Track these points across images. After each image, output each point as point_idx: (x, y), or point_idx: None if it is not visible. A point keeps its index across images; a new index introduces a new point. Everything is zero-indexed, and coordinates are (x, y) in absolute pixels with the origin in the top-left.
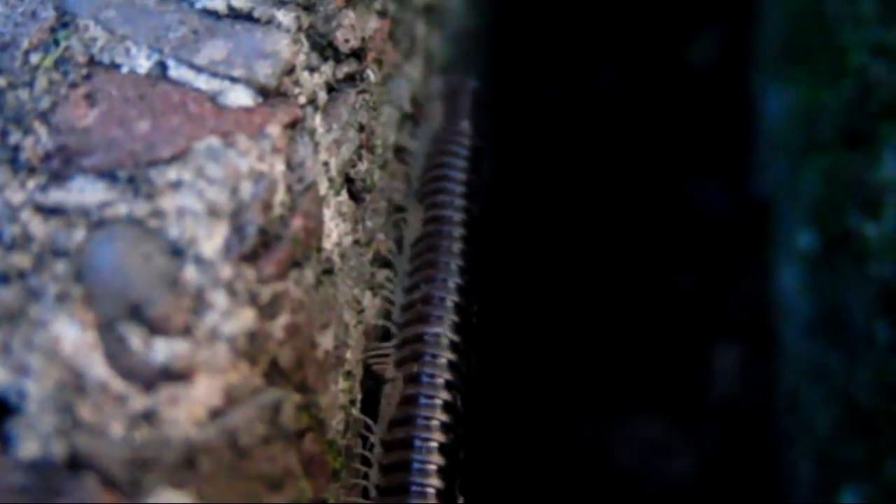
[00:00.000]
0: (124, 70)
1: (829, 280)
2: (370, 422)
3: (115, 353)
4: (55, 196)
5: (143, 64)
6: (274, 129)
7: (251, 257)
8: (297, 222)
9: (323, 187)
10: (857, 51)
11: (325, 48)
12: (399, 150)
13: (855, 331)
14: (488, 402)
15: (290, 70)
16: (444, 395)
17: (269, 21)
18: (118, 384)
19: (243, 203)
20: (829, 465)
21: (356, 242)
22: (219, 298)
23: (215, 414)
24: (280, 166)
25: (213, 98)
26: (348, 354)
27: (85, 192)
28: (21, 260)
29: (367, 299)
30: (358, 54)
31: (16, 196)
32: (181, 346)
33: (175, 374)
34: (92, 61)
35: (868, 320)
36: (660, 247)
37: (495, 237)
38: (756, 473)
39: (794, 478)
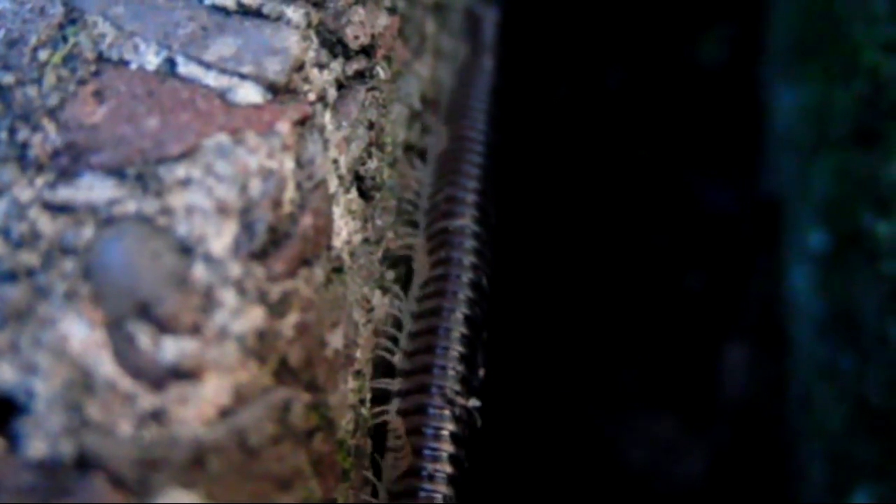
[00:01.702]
0: (133, 67)
1: (841, 279)
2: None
3: (124, 351)
4: (63, 193)
5: (152, 60)
6: (283, 127)
7: (260, 255)
8: (306, 220)
9: (332, 185)
10: (868, 49)
11: (334, 45)
12: (409, 147)
13: (866, 330)
14: (500, 401)
15: (300, 67)
16: (470, 274)
17: (279, 17)
18: (127, 383)
19: (252, 200)
20: (840, 465)
21: (366, 241)
22: (228, 297)
23: (224, 413)
24: (289, 163)
25: (222, 95)
26: (358, 353)
27: (93, 189)
28: (29, 258)
29: (377, 298)
30: (367, 51)
31: (24, 193)
32: (190, 345)
33: (184, 373)
34: (100, 58)
35: (880, 319)
36: (670, 246)
37: (504, 235)
38: (767, 473)
39: (805, 478)
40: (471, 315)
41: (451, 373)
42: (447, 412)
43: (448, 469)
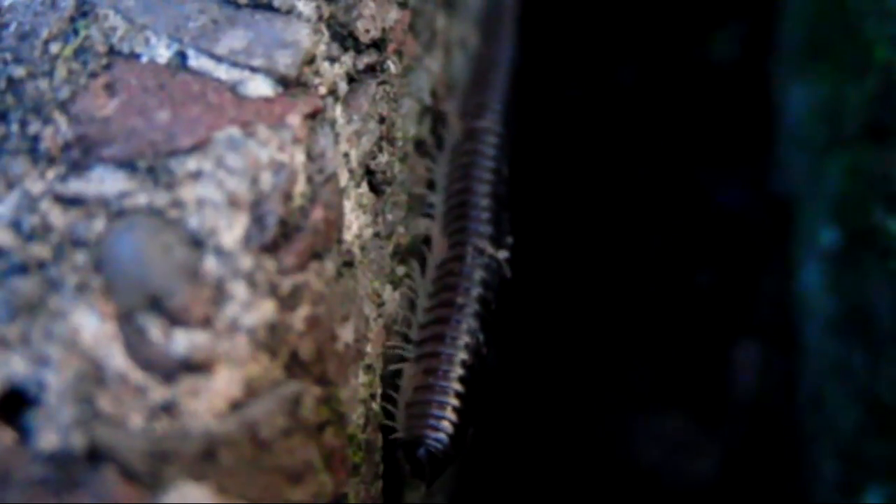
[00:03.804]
0: (144, 60)
1: (853, 277)
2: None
3: (135, 344)
4: (75, 186)
5: (163, 53)
6: (294, 120)
7: (271, 248)
8: (317, 213)
9: (343, 179)
10: (881, 45)
11: (345, 38)
12: (419, 144)
13: (879, 328)
14: (510, 399)
15: (311, 60)
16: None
17: (290, 10)
18: (138, 375)
19: (263, 193)
20: (852, 463)
21: (376, 235)
22: (239, 289)
23: (235, 406)
24: (300, 157)
25: (233, 88)
26: (368, 348)
27: (105, 182)
28: (41, 250)
29: (388, 293)
30: (378, 45)
31: (35, 186)
32: (201, 338)
33: (195, 366)
34: (111, 51)
35: (892, 317)
36: (682, 244)
37: (516, 233)
38: (778, 472)
39: (817, 477)
40: (496, 192)
41: (482, 230)
42: (478, 259)
43: (475, 306)
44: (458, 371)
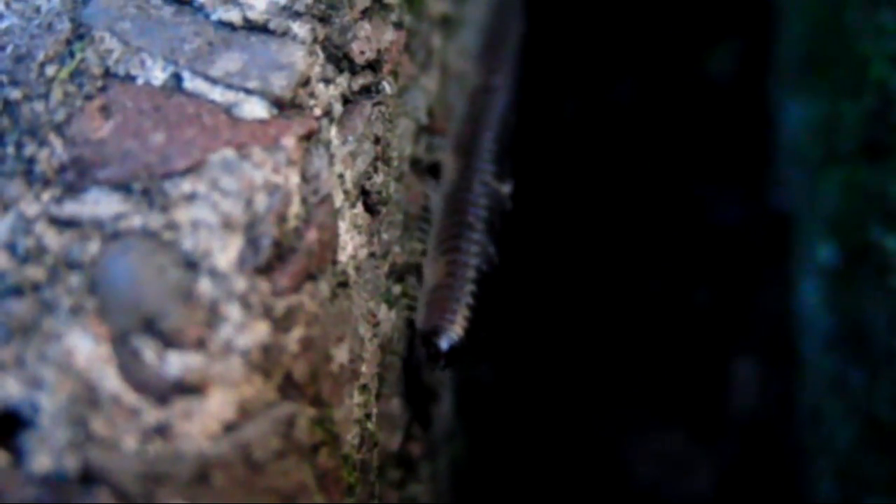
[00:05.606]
0: (139, 82)
1: (850, 294)
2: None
3: (129, 366)
4: (70, 208)
5: (159, 76)
6: (289, 141)
7: (266, 270)
8: (311, 235)
9: (338, 200)
10: (877, 62)
11: (340, 60)
12: (415, 162)
13: (876, 345)
14: (505, 417)
15: (306, 82)
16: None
17: (285, 33)
18: (131, 397)
19: (258, 215)
20: (850, 480)
21: (371, 255)
22: (233, 311)
23: (229, 428)
24: (295, 178)
25: (228, 110)
26: (363, 368)
27: (99, 204)
28: (35, 272)
29: (383, 312)
30: (374, 66)
31: (31, 208)
32: (195, 360)
33: (189, 388)
34: (107, 73)
35: (889, 335)
36: (678, 260)
37: (511, 248)
38: (776, 489)
39: (814, 494)
40: (502, 139)
41: (487, 167)
42: (484, 189)
43: (484, 225)
44: (474, 274)
